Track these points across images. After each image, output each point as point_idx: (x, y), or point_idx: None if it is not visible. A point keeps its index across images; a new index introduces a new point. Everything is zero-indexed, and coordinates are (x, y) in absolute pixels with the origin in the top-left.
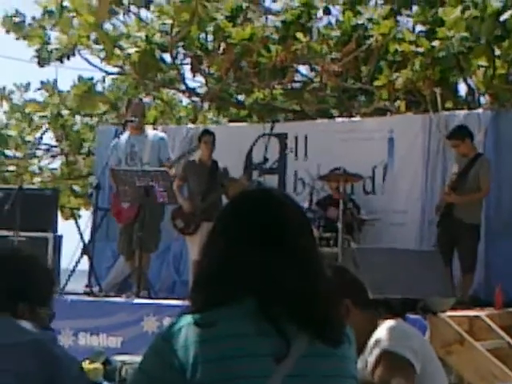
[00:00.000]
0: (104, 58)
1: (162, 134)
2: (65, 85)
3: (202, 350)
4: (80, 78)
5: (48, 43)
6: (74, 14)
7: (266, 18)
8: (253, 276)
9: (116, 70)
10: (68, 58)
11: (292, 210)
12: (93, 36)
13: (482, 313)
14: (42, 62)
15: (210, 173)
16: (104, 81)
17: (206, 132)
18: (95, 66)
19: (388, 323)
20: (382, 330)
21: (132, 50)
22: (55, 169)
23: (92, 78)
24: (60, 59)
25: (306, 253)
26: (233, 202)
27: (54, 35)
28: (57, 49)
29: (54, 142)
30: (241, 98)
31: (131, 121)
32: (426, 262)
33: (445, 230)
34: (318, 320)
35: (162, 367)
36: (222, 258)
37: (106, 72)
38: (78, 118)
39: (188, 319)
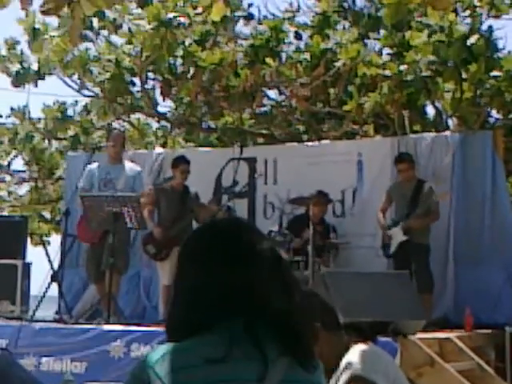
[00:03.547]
0: (80, 83)
1: (139, 168)
2: (34, 110)
3: (186, 376)
4: (54, 102)
5: (24, 67)
6: (46, 37)
7: (236, 43)
8: (237, 297)
9: (86, 92)
10: (36, 84)
11: (263, 234)
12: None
13: (452, 335)
14: (18, 83)
15: (181, 198)
16: (76, 104)
17: (184, 160)
18: (72, 88)
19: (359, 347)
20: (353, 354)
21: (102, 75)
22: (22, 196)
23: (65, 103)
24: (35, 82)
25: (288, 273)
26: (204, 227)
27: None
28: (35, 71)
29: (22, 168)
30: (210, 122)
31: (101, 147)
32: (396, 285)
33: (403, 255)
34: (300, 342)
35: None
36: (200, 280)
37: (79, 93)
38: (49, 142)
39: (170, 346)
